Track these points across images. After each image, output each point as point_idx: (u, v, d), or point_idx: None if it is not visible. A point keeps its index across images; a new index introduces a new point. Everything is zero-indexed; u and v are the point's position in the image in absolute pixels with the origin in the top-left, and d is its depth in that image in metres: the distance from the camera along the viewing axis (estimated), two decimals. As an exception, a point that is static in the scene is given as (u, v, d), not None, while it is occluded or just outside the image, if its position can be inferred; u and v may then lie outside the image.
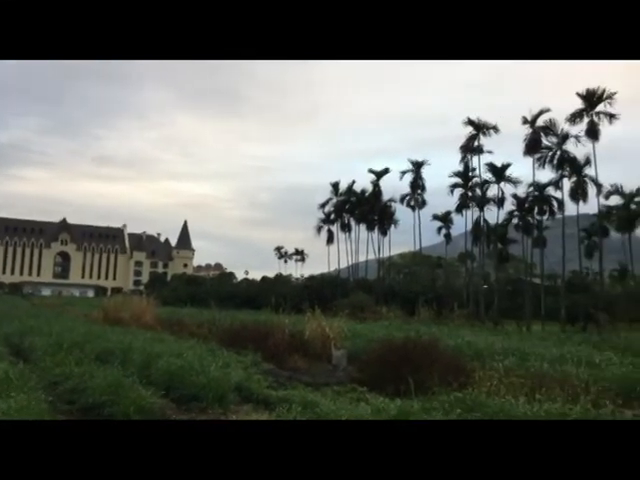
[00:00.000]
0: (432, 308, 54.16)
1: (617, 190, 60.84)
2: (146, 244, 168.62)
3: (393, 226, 77.66)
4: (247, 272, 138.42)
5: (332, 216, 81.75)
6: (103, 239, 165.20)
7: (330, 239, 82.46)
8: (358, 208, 78.30)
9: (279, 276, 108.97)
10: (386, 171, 77.54)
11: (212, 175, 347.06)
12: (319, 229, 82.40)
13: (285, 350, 15.45)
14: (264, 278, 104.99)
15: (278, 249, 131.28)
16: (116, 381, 8.82)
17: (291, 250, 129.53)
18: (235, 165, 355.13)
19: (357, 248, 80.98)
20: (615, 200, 61.56)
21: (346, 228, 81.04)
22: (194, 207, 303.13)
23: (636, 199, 61.04)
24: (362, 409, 8.54)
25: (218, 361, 11.23)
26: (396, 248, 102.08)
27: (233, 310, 39.42)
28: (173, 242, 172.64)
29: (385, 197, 77.68)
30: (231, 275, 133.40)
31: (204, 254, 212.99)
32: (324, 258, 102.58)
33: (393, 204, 77.02)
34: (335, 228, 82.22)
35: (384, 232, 77.53)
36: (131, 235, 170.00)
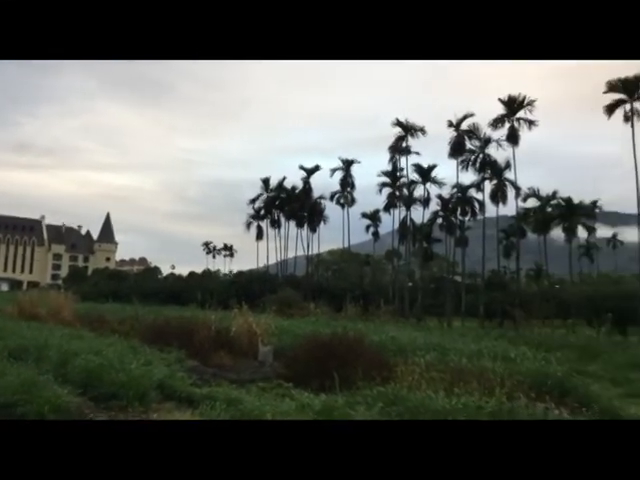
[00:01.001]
0: (359, 305, 55.01)
1: (534, 193, 64.00)
2: (66, 237, 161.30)
3: (323, 223, 78.35)
4: (173, 267, 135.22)
5: (262, 212, 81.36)
6: (19, 230, 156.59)
7: (259, 235, 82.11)
8: (288, 204, 78.29)
9: (207, 272, 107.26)
10: (317, 168, 77.98)
11: (138, 166, 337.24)
12: (249, 225, 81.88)
13: (210, 347, 15.22)
14: (191, 274, 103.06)
15: (206, 244, 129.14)
16: (30, 379, 8.39)
17: (220, 245, 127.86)
18: (163, 157, 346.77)
19: (286, 244, 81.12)
20: (532, 203, 64.82)
21: (276, 224, 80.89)
22: (118, 199, 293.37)
23: (552, 202, 64.41)
24: (287, 405, 8.55)
25: (140, 358, 10.91)
26: (325, 245, 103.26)
27: (157, 306, 38.43)
28: (95, 235, 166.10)
29: (315, 194, 78.26)
30: (156, 270, 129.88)
31: (128, 248, 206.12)
32: (253, 254, 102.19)
33: (323, 201, 77.71)
34: (265, 224, 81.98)
35: (314, 229, 78.02)
36: (50, 227, 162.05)
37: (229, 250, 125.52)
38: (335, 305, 60.05)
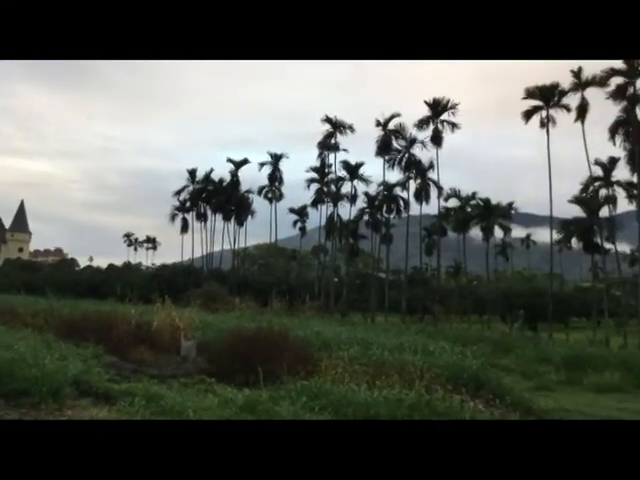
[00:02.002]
0: (285, 299, 55.07)
1: (455, 194, 66.44)
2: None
3: (250, 217, 77.78)
4: (92, 259, 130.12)
5: (187, 204, 79.66)
6: None
7: (184, 228, 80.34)
8: (215, 197, 77.09)
9: (128, 264, 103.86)
10: (245, 162, 77.23)
11: (54, 153, 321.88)
12: (173, 217, 79.94)
13: (130, 342, 14.73)
14: (111, 266, 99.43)
15: (127, 236, 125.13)
16: None
17: (142, 237, 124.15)
18: (81, 144, 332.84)
19: (212, 238, 79.86)
20: (453, 203, 67.22)
21: (202, 217, 79.46)
22: (33, 186, 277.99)
23: (471, 203, 67.03)
24: (209, 400, 8.42)
25: (54, 353, 10.42)
26: (252, 239, 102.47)
27: (74, 299, 36.82)
28: (7, 223, 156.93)
29: (243, 188, 77.49)
30: (73, 262, 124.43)
31: (43, 238, 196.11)
32: (177, 247, 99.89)
33: (251, 195, 77.10)
34: (190, 217, 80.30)
35: (240, 223, 77.31)
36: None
37: (152, 242, 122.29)
38: (261, 300, 59.82)
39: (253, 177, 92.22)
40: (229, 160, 77.78)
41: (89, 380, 9.76)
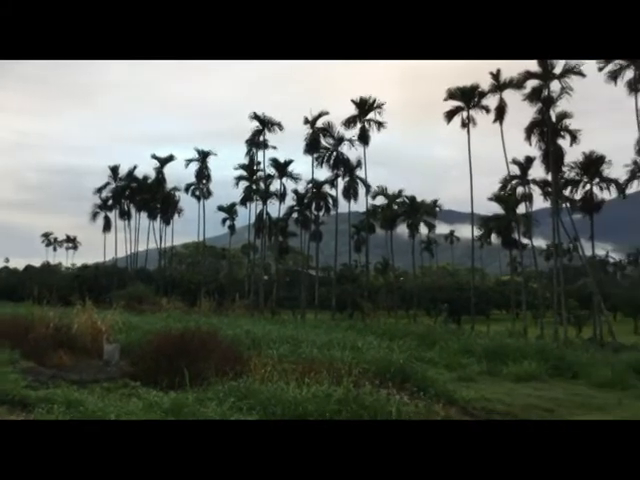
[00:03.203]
0: (214, 299, 54.34)
1: (382, 191, 67.72)
2: None
3: (177, 215, 75.99)
4: (7, 260, 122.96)
5: (110, 202, 76.76)
6: None
7: (107, 226, 77.28)
8: (139, 195, 74.70)
9: (46, 265, 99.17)
10: (171, 158, 75.32)
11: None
12: (94, 215, 76.69)
13: (48, 346, 14.05)
14: (28, 267, 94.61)
15: (46, 235, 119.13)
16: None
17: (61, 237, 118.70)
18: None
19: (137, 237, 77.33)
20: (380, 200, 68.47)
21: (125, 215, 76.80)
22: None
23: (397, 200, 68.56)
24: (133, 405, 8.19)
25: (-36, 361, 9.80)
26: (179, 238, 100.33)
27: (-12, 303, 34.77)
28: None
29: (169, 185, 75.57)
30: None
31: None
32: (100, 247, 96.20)
33: (177, 193, 75.29)
34: (113, 215, 77.41)
35: (167, 221, 75.38)
36: None
37: (72, 242, 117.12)
38: (189, 300, 58.76)
39: (180, 174, 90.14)
40: (154, 157, 75.65)
41: (4, 387, 9.26)
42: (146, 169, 77.55)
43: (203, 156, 72.17)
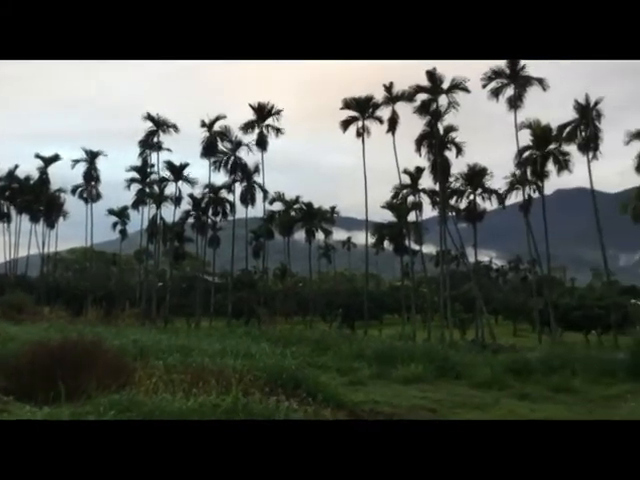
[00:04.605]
0: (102, 307, 51.82)
1: (280, 197, 68.03)
2: None
3: (62, 218, 71.66)
4: None
5: (-13, 203, 71.03)
6: None
7: (-17, 230, 71.47)
8: (20, 196, 69.71)
9: None
10: (56, 158, 70.89)
11: None
12: (-33, 217, 70.67)
13: None
14: None
15: None
16: None
17: None
18: None
19: (18, 241, 72.04)
20: (278, 206, 68.71)
21: (5, 218, 71.33)
22: None
23: (295, 206, 69.11)
24: (1, 422, 7.57)
25: None
26: (65, 243, 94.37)
27: None
28: None
29: (54, 186, 71.12)
30: None
31: None
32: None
33: (63, 195, 71.05)
34: (-9, 217, 71.58)
35: (51, 224, 70.83)
36: None
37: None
38: (75, 308, 55.64)
39: (66, 175, 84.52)
40: (37, 156, 70.89)
41: None
42: (29, 169, 72.60)
43: (92, 156, 68.70)
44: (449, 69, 55.36)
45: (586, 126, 47.12)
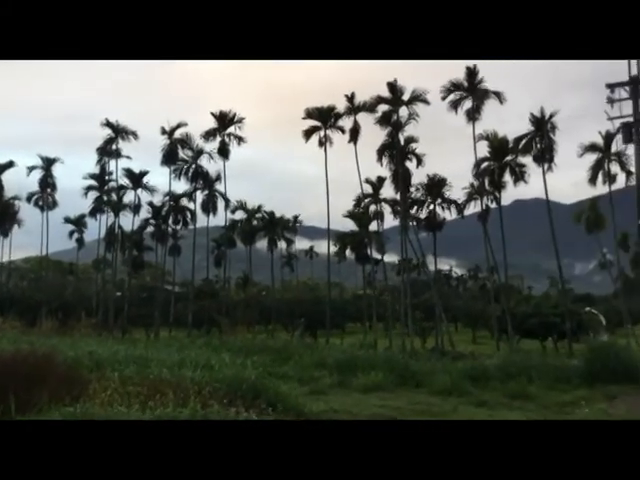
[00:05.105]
0: (57, 318, 50.36)
1: (242, 206, 67.59)
2: None
3: (17, 226, 69.47)
4: None
5: None
6: None
7: None
8: (-29, 204, 67.42)
9: None
10: (10, 164, 68.64)
11: None
12: None
13: None
14: None
15: None
16: None
17: None
18: None
19: (-32, 250, 69.57)
20: (240, 215, 68.27)
21: (-46, 226, 68.82)
22: None
23: (257, 215, 68.79)
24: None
25: None
26: (20, 251, 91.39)
27: None
28: None
29: (9, 194, 68.88)
30: None
31: None
32: None
33: (18, 202, 68.85)
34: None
35: (4, 233, 68.58)
36: None
37: None
38: (29, 319, 53.90)
39: (21, 182, 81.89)
40: (-10, 162, 68.67)
41: None
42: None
43: (48, 163, 66.91)
44: (411, 81, 56.36)
45: (541, 138, 48.45)
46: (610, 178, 49.85)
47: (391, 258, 76.02)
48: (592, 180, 50.78)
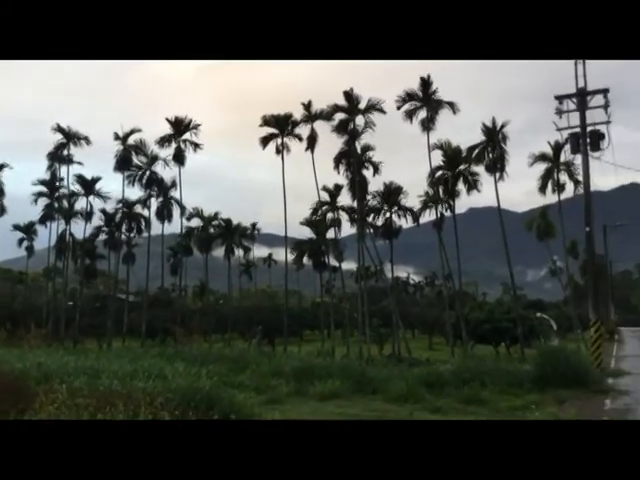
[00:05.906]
0: (5, 328, 48.59)
1: (198, 213, 66.84)
2: None
3: (-39, 234, 66.95)
4: None
5: None
6: None
7: None
8: None
9: None
10: (-45, 170, 66.28)
11: None
12: None
13: None
14: None
15: None
16: None
17: None
18: None
19: None
20: (196, 222, 67.48)
21: None
22: None
23: (213, 223, 68.12)
24: None
25: None
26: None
27: None
28: None
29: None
30: None
31: None
32: None
33: (-38, 209, 66.32)
34: None
35: (-52, 241, 66.07)
36: None
37: None
38: (-26, 330, 51.74)
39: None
40: None
41: None
42: None
43: (-5, 169, 64.67)
44: (366, 91, 56.96)
45: (493, 148, 49.69)
46: (559, 187, 51.47)
47: (349, 265, 76.41)
48: (542, 189, 52.32)
